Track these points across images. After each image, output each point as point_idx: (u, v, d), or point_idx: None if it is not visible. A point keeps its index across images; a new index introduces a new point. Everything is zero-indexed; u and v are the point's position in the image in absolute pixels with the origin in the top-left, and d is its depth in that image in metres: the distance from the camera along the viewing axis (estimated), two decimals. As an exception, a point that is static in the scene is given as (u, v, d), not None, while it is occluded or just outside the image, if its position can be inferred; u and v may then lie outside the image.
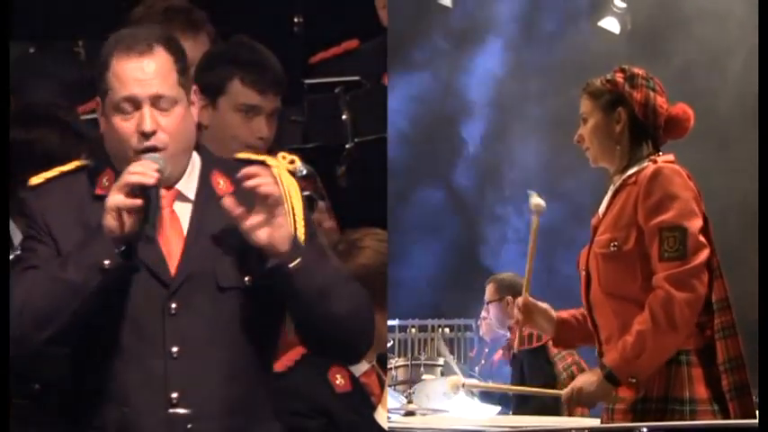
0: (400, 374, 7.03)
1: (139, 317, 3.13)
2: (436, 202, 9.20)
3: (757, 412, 3.62)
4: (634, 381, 3.59)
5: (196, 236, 3.19)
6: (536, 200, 3.93)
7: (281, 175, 3.22)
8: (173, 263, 3.16)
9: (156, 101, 3.14)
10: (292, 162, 3.29)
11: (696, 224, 3.62)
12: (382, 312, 4.07)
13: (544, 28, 8.87)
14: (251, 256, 3.13)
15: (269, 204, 3.07)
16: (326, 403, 4.03)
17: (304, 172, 4.61)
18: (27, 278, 3.12)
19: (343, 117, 4.65)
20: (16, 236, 4.07)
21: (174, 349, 3.12)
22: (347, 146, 4.64)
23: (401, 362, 7.19)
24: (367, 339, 3.22)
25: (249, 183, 3.07)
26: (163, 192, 3.14)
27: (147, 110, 3.13)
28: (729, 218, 7.17)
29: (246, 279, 3.16)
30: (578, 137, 3.83)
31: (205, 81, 4.49)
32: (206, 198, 3.21)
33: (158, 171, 3.09)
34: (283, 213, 3.09)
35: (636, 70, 3.82)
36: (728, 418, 3.59)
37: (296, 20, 5.19)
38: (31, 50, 5.07)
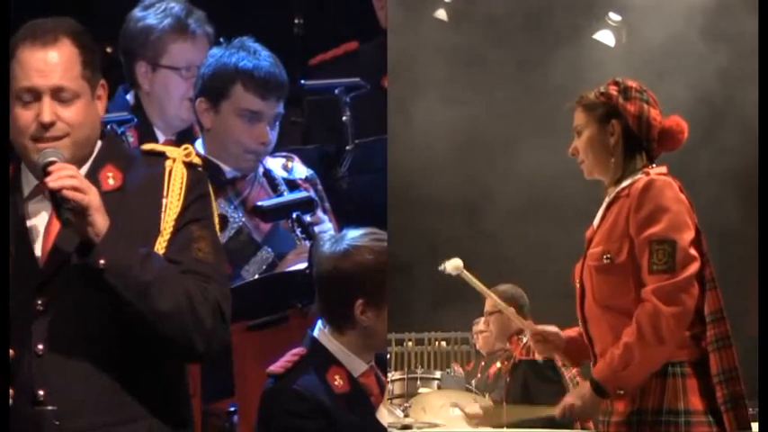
0: (397, 388, 6.98)
1: (16, 313, 3.10)
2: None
3: (754, 425, 3.61)
4: (622, 393, 3.56)
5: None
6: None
7: (173, 168, 3.20)
8: (44, 257, 3.14)
9: (56, 92, 3.12)
10: (188, 155, 3.22)
11: (686, 237, 3.59)
12: (381, 311, 4.07)
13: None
14: None
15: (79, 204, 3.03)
16: (325, 404, 4.00)
17: (304, 173, 4.64)
18: None
19: (344, 118, 4.65)
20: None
21: (40, 346, 3.09)
22: (347, 147, 4.64)
23: (397, 375, 7.15)
24: (202, 338, 3.08)
25: (50, 183, 3.02)
26: None
27: (46, 101, 3.12)
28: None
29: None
30: (573, 149, 3.81)
31: (207, 85, 4.50)
32: None
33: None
34: (90, 214, 3.03)
35: (629, 83, 3.80)
36: (723, 429, 3.56)
37: (296, 21, 5.20)
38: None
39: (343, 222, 4.48)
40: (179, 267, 3.12)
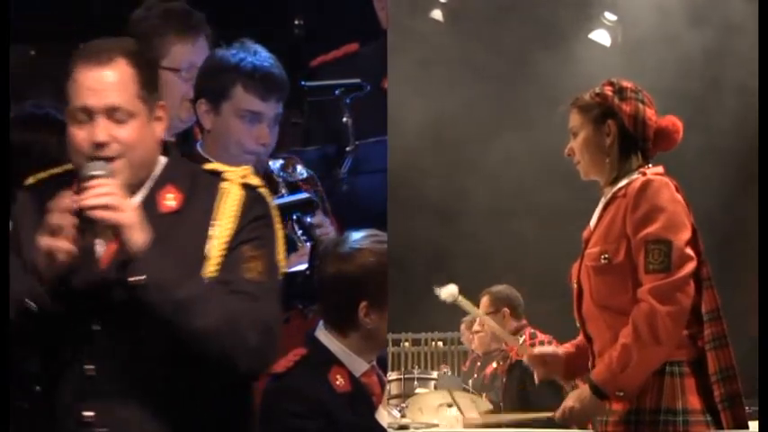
0: (393, 388, 7.00)
1: (70, 331, 3.11)
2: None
3: (754, 423, 3.63)
4: (621, 394, 3.58)
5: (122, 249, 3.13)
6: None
7: (229, 191, 3.20)
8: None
9: (110, 112, 3.11)
10: (245, 176, 3.23)
11: (683, 237, 3.61)
12: (384, 313, 4.07)
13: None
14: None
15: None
16: (326, 404, 4.01)
17: (304, 174, 4.65)
18: None
19: (344, 120, 4.66)
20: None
21: (91, 366, 3.10)
22: (348, 148, 4.65)
23: (394, 375, 7.17)
24: (244, 357, 3.07)
25: (84, 202, 3.01)
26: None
27: (100, 120, 3.10)
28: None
29: None
30: (569, 150, 3.84)
31: (208, 86, 4.51)
32: (144, 211, 3.14)
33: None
34: (125, 232, 3.02)
35: (624, 83, 3.82)
36: (721, 428, 3.58)
37: (296, 23, 5.21)
38: (32, 53, 5.07)
39: (343, 224, 4.49)
40: (228, 287, 3.09)
